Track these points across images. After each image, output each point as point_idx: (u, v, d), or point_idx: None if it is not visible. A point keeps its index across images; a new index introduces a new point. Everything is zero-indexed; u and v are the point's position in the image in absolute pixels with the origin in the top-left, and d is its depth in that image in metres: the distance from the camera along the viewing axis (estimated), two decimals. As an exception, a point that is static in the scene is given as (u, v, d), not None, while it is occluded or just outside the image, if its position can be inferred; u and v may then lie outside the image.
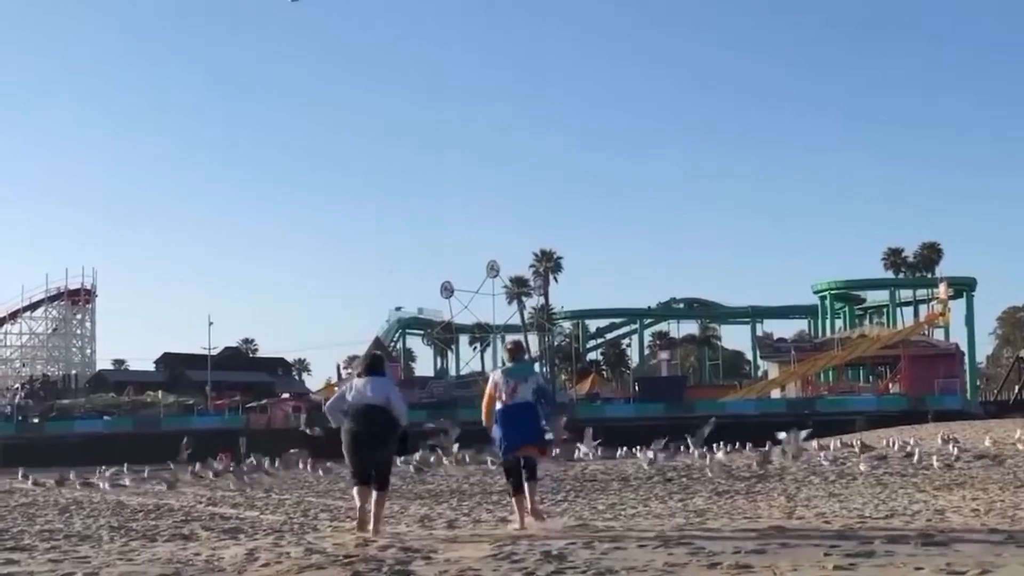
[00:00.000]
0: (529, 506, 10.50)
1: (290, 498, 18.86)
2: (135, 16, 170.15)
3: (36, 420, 77.72)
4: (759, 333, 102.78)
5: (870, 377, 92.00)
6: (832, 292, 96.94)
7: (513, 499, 10.71)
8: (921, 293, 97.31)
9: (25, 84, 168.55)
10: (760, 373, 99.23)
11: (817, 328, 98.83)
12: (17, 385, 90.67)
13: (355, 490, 10.35)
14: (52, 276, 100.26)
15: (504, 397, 10.48)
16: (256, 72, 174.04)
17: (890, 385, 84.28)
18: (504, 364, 11.29)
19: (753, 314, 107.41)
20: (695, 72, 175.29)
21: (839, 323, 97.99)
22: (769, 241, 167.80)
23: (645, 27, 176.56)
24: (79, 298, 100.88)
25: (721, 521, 11.22)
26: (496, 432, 10.53)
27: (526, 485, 10.48)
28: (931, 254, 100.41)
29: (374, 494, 10.12)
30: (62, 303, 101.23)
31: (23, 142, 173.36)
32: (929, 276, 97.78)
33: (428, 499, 16.74)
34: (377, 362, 10.86)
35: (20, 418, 78.70)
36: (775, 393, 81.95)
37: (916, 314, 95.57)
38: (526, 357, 13.03)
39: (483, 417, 10.74)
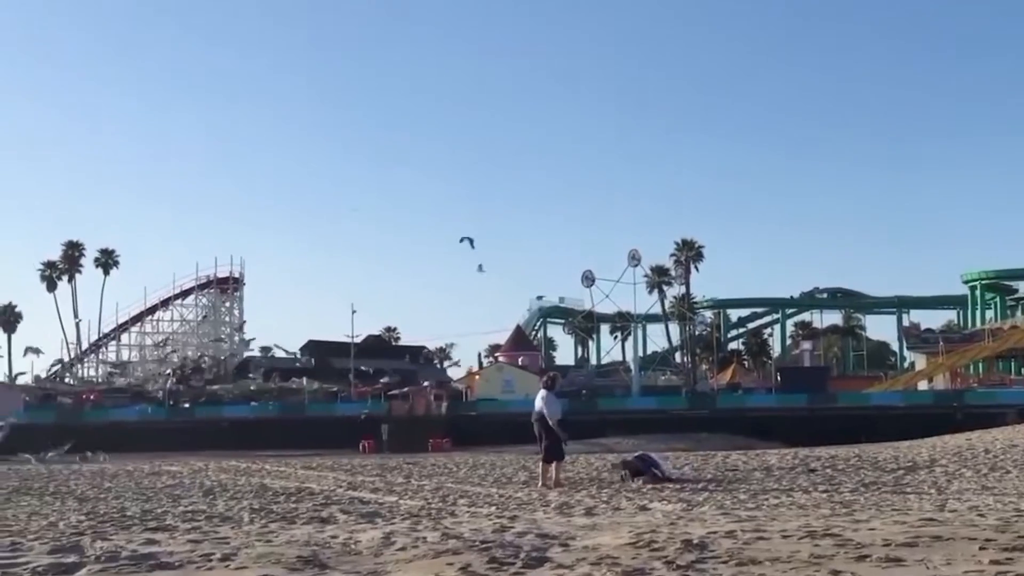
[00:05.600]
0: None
1: (429, 484, 18.93)
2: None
3: (187, 405, 79.72)
4: (905, 324, 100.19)
5: (1022, 370, 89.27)
6: (983, 282, 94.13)
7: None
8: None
9: (173, 74, 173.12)
10: (906, 365, 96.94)
11: (966, 319, 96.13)
12: (169, 371, 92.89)
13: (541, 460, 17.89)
14: (202, 264, 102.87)
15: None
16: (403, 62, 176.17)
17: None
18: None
19: (899, 304, 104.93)
20: (836, 68, 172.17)
21: (989, 314, 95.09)
22: (916, 230, 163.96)
23: (793, 25, 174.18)
24: (227, 286, 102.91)
25: (869, 513, 10.84)
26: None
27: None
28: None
29: (552, 465, 17.22)
30: (211, 291, 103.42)
31: (176, 134, 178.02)
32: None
33: (567, 487, 16.62)
34: (549, 381, 17.82)
35: (171, 403, 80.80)
36: (922, 385, 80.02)
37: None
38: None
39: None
